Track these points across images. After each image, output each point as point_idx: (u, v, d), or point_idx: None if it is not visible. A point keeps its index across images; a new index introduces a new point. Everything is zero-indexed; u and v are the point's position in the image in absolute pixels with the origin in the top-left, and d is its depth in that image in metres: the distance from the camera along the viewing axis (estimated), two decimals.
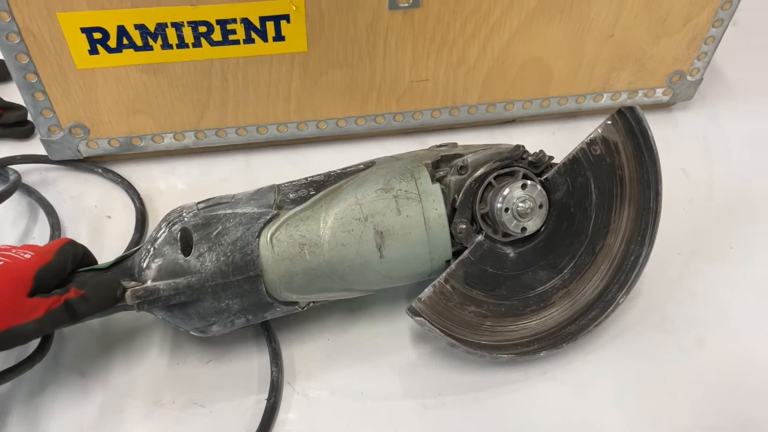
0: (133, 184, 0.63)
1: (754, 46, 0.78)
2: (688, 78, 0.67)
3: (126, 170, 0.65)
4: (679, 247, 0.59)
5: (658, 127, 0.65)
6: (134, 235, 0.59)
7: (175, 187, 0.64)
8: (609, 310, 0.52)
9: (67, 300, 0.44)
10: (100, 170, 0.64)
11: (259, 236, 0.47)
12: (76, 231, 0.60)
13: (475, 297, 0.52)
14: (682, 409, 0.50)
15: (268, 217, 0.47)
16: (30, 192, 0.62)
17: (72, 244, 0.48)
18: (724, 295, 0.56)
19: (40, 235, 0.59)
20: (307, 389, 0.51)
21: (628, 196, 0.53)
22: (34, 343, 0.47)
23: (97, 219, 0.61)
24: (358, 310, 0.55)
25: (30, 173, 0.64)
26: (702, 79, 0.67)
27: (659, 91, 0.68)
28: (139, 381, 0.51)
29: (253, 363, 0.52)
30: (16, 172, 0.59)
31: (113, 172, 0.64)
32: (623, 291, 0.52)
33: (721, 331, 0.54)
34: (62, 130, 0.60)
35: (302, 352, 0.53)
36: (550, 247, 0.54)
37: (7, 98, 0.68)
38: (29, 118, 0.66)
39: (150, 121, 0.61)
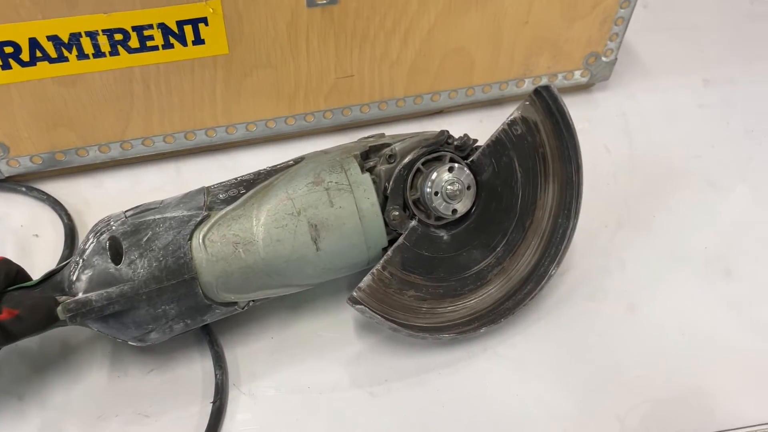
0: (60, 201, 0.62)
1: (664, 26, 0.82)
2: (603, 59, 0.70)
3: (52, 187, 0.63)
4: (606, 220, 0.62)
5: (579, 108, 0.68)
6: (64, 251, 0.58)
7: (104, 200, 0.63)
8: (542, 282, 0.54)
9: (1, 322, 0.43)
10: (23, 189, 0.62)
11: (190, 239, 0.46)
12: (2, 252, 0.58)
13: (413, 281, 0.53)
14: (621, 375, 0.52)
15: (198, 219, 0.47)
16: None
17: (6, 262, 0.46)
18: (651, 263, 0.59)
19: None
20: (254, 389, 0.51)
21: (551, 172, 0.55)
22: None
23: (24, 238, 0.59)
24: (300, 305, 0.55)
25: None
26: (616, 59, 0.70)
27: (577, 74, 0.71)
28: (80, 398, 0.50)
29: (197, 368, 0.51)
30: None
31: (38, 190, 0.62)
32: (554, 263, 0.54)
33: (651, 297, 0.57)
34: None
35: (246, 353, 0.52)
36: (482, 227, 0.55)
37: None
38: None
39: (72, 134, 0.60)
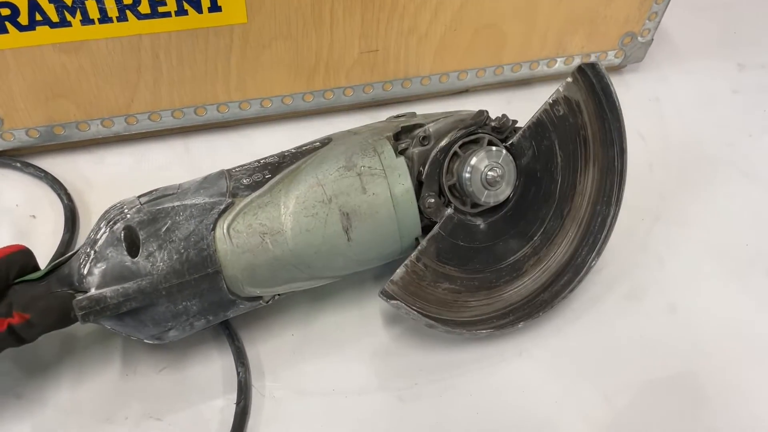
0: (59, 179, 0.57)
1: (696, 5, 0.78)
2: (639, 39, 0.66)
3: (49, 163, 0.58)
4: (642, 213, 0.59)
5: None
6: (64, 234, 0.53)
7: (106, 178, 0.58)
8: (581, 274, 0.51)
9: (11, 326, 0.39)
10: (19, 164, 0.57)
11: (214, 229, 0.42)
12: None
13: (448, 273, 0.49)
14: (664, 381, 0.49)
15: (222, 207, 0.43)
16: None
17: (25, 254, 0.42)
18: (690, 260, 0.56)
19: None
20: (275, 390, 0.47)
21: (592, 156, 0.52)
22: None
23: (20, 219, 0.55)
24: (323, 298, 0.51)
25: None
26: (652, 40, 0.67)
27: (611, 54, 0.67)
28: (85, 398, 0.46)
29: (215, 366, 0.48)
30: None
31: (34, 166, 0.57)
32: (593, 253, 0.51)
33: (692, 296, 0.54)
34: None
35: (266, 351, 0.49)
36: (520, 215, 0.52)
37: None
38: None
39: (73, 106, 0.55)
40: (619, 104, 0.50)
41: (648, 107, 0.68)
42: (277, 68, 0.58)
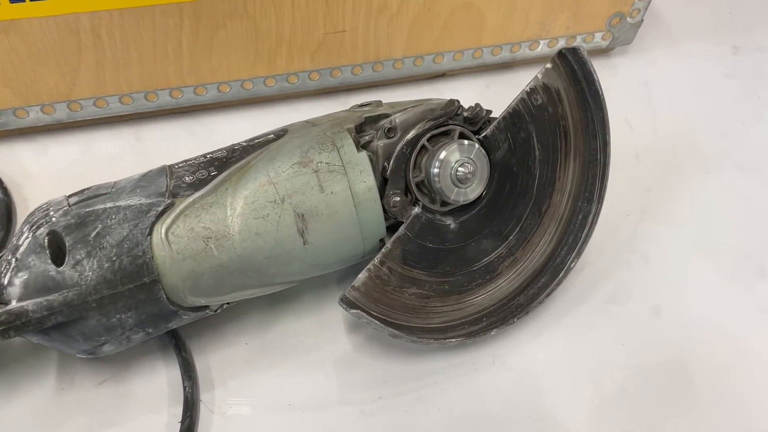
0: None
1: None
2: (629, 20, 0.62)
3: None
4: (628, 208, 0.55)
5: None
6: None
7: (49, 170, 0.53)
8: (560, 275, 0.47)
9: None
10: None
11: (151, 233, 0.38)
12: None
13: (415, 277, 0.46)
14: (648, 391, 0.46)
15: (160, 209, 0.38)
16: None
17: None
18: (678, 259, 0.52)
19: None
20: (225, 405, 0.43)
21: (573, 149, 0.48)
22: None
23: None
24: (280, 303, 0.47)
25: None
26: (642, 20, 0.62)
27: (598, 36, 0.62)
28: (17, 415, 0.42)
29: (160, 378, 0.44)
30: None
31: None
32: (573, 253, 0.47)
33: (677, 299, 0.50)
34: None
35: (217, 361, 0.45)
36: (494, 213, 0.48)
37: None
38: None
39: (7, 91, 0.50)
40: (602, 93, 0.46)
41: (636, 92, 0.64)
42: (234, 50, 0.53)
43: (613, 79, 0.65)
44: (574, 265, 0.48)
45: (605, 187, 0.48)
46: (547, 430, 0.44)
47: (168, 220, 0.38)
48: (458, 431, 0.43)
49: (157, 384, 0.43)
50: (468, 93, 0.61)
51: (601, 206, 0.48)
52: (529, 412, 0.44)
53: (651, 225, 0.54)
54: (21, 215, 0.50)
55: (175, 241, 0.38)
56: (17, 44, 0.47)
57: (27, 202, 0.51)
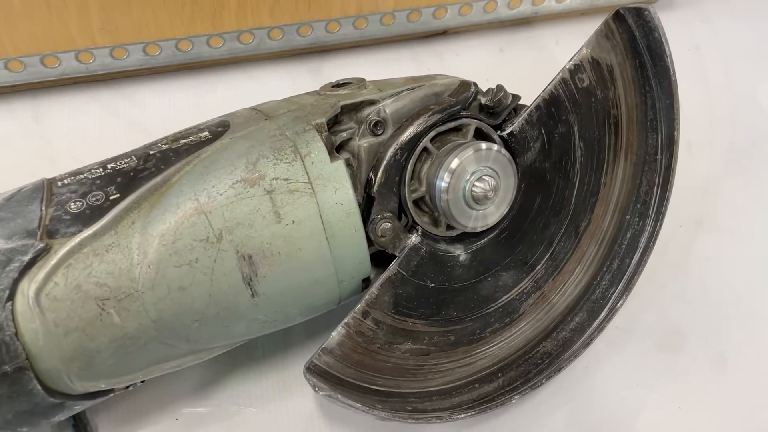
0: None
1: None
2: None
3: None
4: (680, 217, 0.43)
5: None
6: None
7: None
8: (601, 315, 0.36)
9: None
10: None
11: (12, 297, 0.25)
12: None
13: (411, 329, 0.33)
14: None
15: (26, 258, 0.25)
16: None
17: None
18: (746, 285, 0.41)
19: None
20: None
21: (624, 145, 0.36)
22: None
23: None
24: (225, 360, 0.35)
25: None
26: None
27: None
28: None
29: None
30: None
31: None
32: (618, 285, 0.36)
33: (749, 342, 0.39)
34: None
35: None
36: (518, 237, 0.36)
37: None
38: None
39: None
40: (674, 72, 0.33)
41: (685, 59, 0.51)
42: (165, 0, 0.39)
43: None
44: (621, 304, 0.36)
45: (667, 198, 0.36)
46: None
47: (40, 275, 0.25)
48: None
49: None
50: (476, 57, 0.47)
51: (661, 224, 0.36)
52: None
53: (709, 239, 0.42)
54: None
55: (52, 307, 0.25)
56: None
57: None
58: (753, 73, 0.50)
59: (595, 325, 0.36)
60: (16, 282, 0.25)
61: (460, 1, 0.45)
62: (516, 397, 0.34)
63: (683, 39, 0.52)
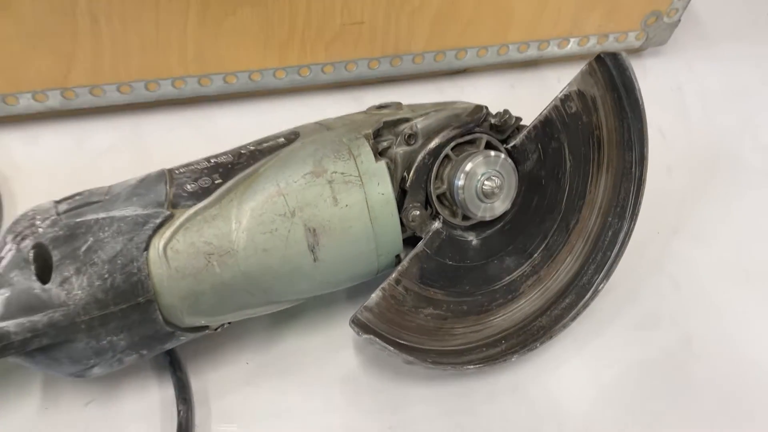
0: None
1: None
2: (665, 20, 0.58)
3: None
4: (658, 225, 0.51)
5: None
6: None
7: (40, 161, 0.50)
8: (586, 296, 0.44)
9: None
10: None
11: (147, 248, 0.34)
12: None
13: (432, 297, 0.42)
14: (675, 424, 0.43)
15: (158, 221, 0.35)
16: None
17: None
18: (713, 283, 0.49)
19: None
20: (223, 431, 0.40)
21: (606, 160, 0.45)
22: None
23: None
24: (285, 320, 0.44)
25: None
26: (680, 20, 0.58)
27: (632, 35, 0.58)
28: None
29: (153, 399, 0.40)
30: None
31: None
32: (601, 273, 0.44)
33: (712, 326, 0.47)
34: None
35: (215, 382, 0.41)
36: (519, 228, 0.45)
37: None
38: None
39: None
40: (642, 102, 0.43)
41: (669, 98, 0.60)
42: (244, 39, 0.49)
43: (644, 82, 0.59)
44: (602, 287, 0.44)
45: (639, 203, 0.44)
46: None
47: (167, 233, 0.35)
48: None
49: (148, 405, 0.40)
50: (491, 91, 0.57)
51: (635, 224, 0.44)
52: None
53: (683, 244, 0.51)
54: (8, 210, 0.47)
55: (174, 257, 0.35)
56: (7, 26, 0.43)
57: (15, 197, 0.48)
58: (726, 109, 0.59)
59: (581, 304, 0.44)
60: (150, 238, 0.34)
61: (477, 45, 0.55)
62: (515, 356, 0.43)
63: (668, 80, 0.61)
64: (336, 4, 0.48)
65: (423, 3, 0.50)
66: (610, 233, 0.45)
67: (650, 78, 0.61)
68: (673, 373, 0.45)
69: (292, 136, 0.40)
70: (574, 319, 0.44)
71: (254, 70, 0.52)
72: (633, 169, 0.44)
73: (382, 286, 0.40)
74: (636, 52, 0.62)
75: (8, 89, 0.47)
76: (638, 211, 0.44)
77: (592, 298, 0.45)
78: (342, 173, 0.38)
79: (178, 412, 0.39)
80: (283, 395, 0.42)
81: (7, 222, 0.46)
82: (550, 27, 0.55)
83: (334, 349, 0.44)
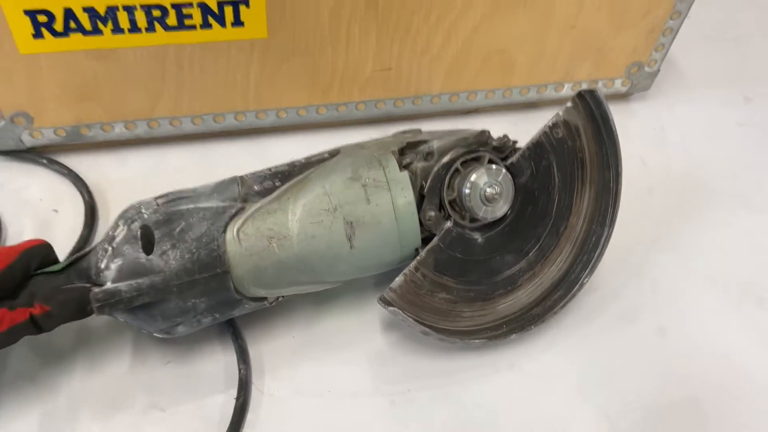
0: (81, 176, 0.60)
1: (706, 36, 0.80)
2: (646, 69, 0.68)
3: (73, 161, 0.61)
4: (639, 237, 0.60)
5: (616, 117, 0.65)
6: (83, 230, 0.56)
7: (126, 178, 0.61)
8: (574, 290, 0.53)
9: (33, 316, 0.42)
10: (45, 161, 0.60)
11: (225, 231, 0.45)
12: (19, 226, 0.56)
13: (445, 283, 0.51)
14: (646, 400, 0.51)
15: (233, 211, 0.45)
16: None
17: (45, 247, 0.45)
18: (684, 285, 0.58)
19: None
20: (273, 388, 0.49)
21: (588, 178, 0.54)
22: None
23: (43, 213, 0.58)
24: (325, 303, 0.54)
25: None
26: (659, 70, 0.69)
27: (618, 82, 0.69)
28: (95, 386, 0.48)
29: (218, 362, 0.50)
30: None
31: (59, 163, 0.60)
32: (586, 271, 0.53)
33: (682, 321, 0.55)
34: (3, 119, 0.56)
35: (268, 351, 0.51)
36: (516, 231, 0.54)
37: None
38: None
39: (99, 109, 0.58)
40: (616, 130, 0.52)
41: (652, 135, 0.70)
42: (295, 81, 0.61)
43: (631, 122, 0.71)
44: (587, 282, 0.53)
45: (617, 213, 0.53)
46: (554, 430, 0.49)
47: (239, 221, 0.45)
48: (475, 426, 0.49)
49: (215, 367, 0.50)
50: (497, 128, 0.66)
51: (613, 229, 0.53)
52: (540, 413, 0.50)
53: (660, 254, 0.60)
54: (102, 216, 0.58)
55: (244, 239, 0.45)
56: (113, 69, 0.55)
57: (108, 204, 0.59)
58: (701, 144, 0.69)
59: (569, 296, 0.53)
60: (226, 224, 0.45)
61: (486, 89, 0.66)
62: (513, 335, 0.52)
63: (651, 121, 0.71)
64: (368, 54, 0.60)
65: (440, 53, 0.62)
66: (594, 239, 0.54)
67: (636, 119, 0.71)
68: (648, 356, 0.53)
69: (334, 152, 0.51)
70: (563, 307, 0.53)
71: (301, 106, 0.63)
72: (611, 185, 0.54)
73: (404, 271, 0.49)
74: (624, 97, 0.72)
75: (106, 119, 0.59)
76: (616, 219, 0.53)
77: (578, 291, 0.53)
78: (374, 179, 0.48)
79: (239, 369, 0.49)
80: (321, 364, 0.51)
81: (101, 223, 0.58)
82: (547, 74, 0.66)
83: (363, 329, 0.53)
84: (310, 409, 0.48)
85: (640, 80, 0.70)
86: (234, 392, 0.48)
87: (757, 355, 0.54)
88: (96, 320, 0.51)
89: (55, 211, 0.58)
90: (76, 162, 0.61)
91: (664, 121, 0.71)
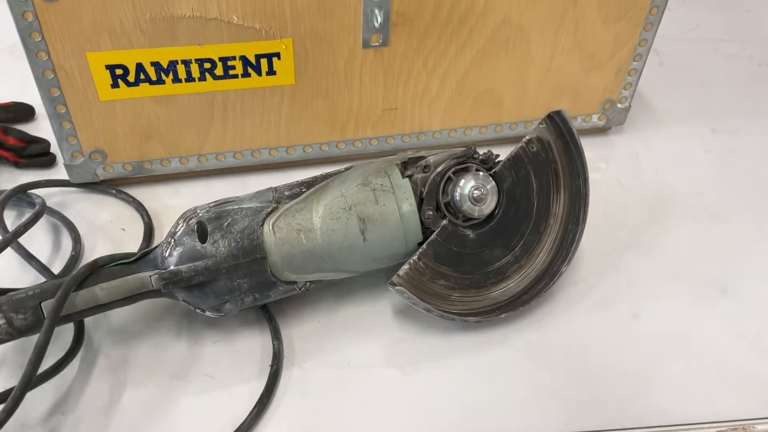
0: (142, 203, 0.72)
1: (677, 82, 0.92)
2: (618, 105, 0.80)
3: (136, 191, 0.74)
4: (616, 243, 0.70)
5: (597, 148, 0.79)
6: (142, 243, 0.68)
7: (178, 204, 0.73)
8: (555, 278, 0.62)
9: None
10: (114, 191, 0.73)
11: (263, 225, 0.56)
12: (93, 242, 0.69)
13: (443, 272, 0.61)
14: (619, 370, 0.59)
15: (269, 210, 0.57)
16: (53, 212, 0.70)
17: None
18: (655, 280, 0.67)
19: (66, 247, 0.68)
20: (302, 362, 0.59)
21: (562, 184, 0.64)
22: (69, 336, 0.57)
23: (113, 231, 0.70)
24: (345, 294, 0.64)
25: (52, 196, 0.73)
26: (630, 106, 0.80)
27: (595, 117, 0.81)
28: (158, 360, 0.59)
29: (256, 342, 0.60)
30: (39, 196, 0.68)
31: (125, 193, 0.73)
32: (565, 262, 0.63)
33: (653, 307, 0.64)
34: (83, 156, 0.70)
35: (297, 332, 0.61)
36: (503, 229, 0.64)
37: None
38: (52, 149, 0.75)
39: (159, 146, 0.71)
40: (580, 142, 0.63)
41: (628, 162, 0.80)
42: (317, 120, 0.74)
43: (611, 152, 0.82)
44: (564, 270, 0.62)
45: (587, 212, 0.63)
46: (542, 396, 0.57)
47: (274, 217, 0.57)
48: (473, 392, 0.57)
49: (252, 344, 0.60)
50: None
51: (584, 226, 0.63)
52: (530, 381, 0.58)
53: (634, 255, 0.69)
54: (158, 233, 0.70)
55: (278, 231, 0.56)
56: (171, 112, 0.69)
57: (162, 225, 0.71)
58: (672, 167, 0.79)
59: (552, 283, 0.63)
60: (264, 219, 0.56)
61: (479, 125, 0.78)
62: (504, 315, 0.61)
63: (628, 150, 0.82)
64: (378, 96, 0.73)
65: (438, 94, 0.74)
66: (570, 236, 0.64)
67: (615, 149, 0.82)
68: (623, 334, 0.62)
69: (349, 167, 0.63)
70: (545, 290, 0.62)
71: (323, 142, 0.76)
72: (581, 190, 0.64)
73: (409, 261, 0.60)
74: (602, 131, 0.84)
75: (164, 155, 0.72)
76: (586, 218, 0.63)
77: (558, 278, 0.63)
78: (381, 185, 0.59)
79: (273, 345, 0.59)
80: (341, 342, 0.60)
81: (158, 238, 0.70)
82: (531, 111, 0.78)
83: (378, 315, 0.63)
84: (332, 376, 0.58)
85: (615, 115, 0.81)
86: (269, 363, 0.58)
87: (719, 334, 0.62)
88: (160, 309, 0.62)
89: (123, 230, 0.70)
90: (138, 192, 0.74)
91: (639, 150, 0.82)
